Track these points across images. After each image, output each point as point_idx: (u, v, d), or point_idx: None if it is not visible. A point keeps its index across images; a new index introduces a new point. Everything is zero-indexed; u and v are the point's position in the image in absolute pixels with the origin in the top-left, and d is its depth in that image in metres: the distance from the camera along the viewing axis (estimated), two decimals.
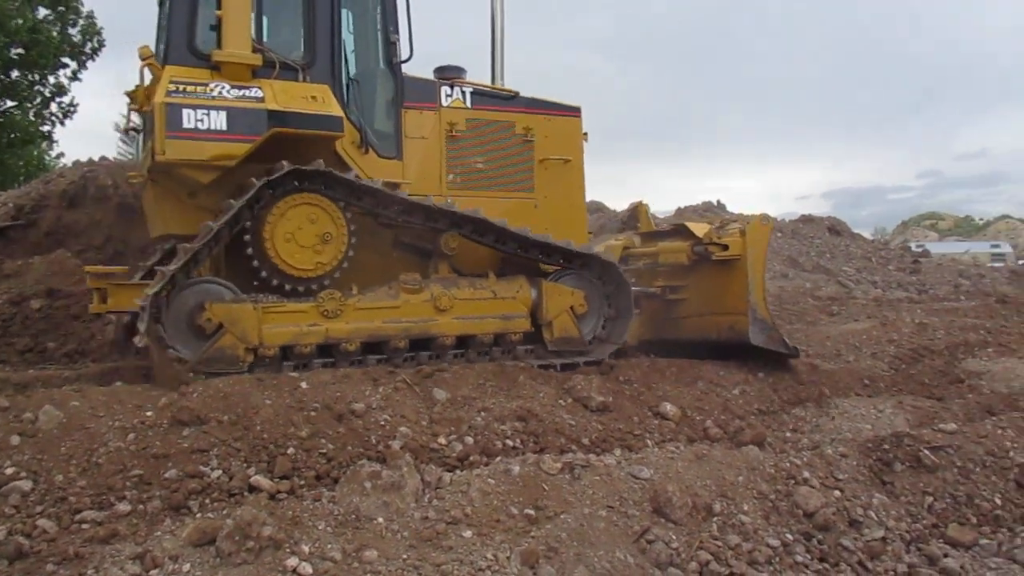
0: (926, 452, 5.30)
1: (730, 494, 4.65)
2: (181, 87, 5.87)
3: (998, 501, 5.13)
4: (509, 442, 5.25)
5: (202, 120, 5.82)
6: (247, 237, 6.10)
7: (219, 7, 6.10)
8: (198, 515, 4.12)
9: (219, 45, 6.09)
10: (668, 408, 6.07)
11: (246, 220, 6.04)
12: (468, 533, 4.01)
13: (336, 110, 6.33)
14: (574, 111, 7.96)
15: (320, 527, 4.00)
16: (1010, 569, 4.46)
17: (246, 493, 4.35)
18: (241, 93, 6.01)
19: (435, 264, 6.90)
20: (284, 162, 6.01)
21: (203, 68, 6.08)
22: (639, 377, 6.60)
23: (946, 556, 4.54)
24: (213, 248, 6.01)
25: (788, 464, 5.04)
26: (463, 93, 7.39)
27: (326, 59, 6.57)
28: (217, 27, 6.13)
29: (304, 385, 5.32)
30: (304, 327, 6.08)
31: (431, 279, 6.75)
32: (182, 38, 6.15)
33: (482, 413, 5.48)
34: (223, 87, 5.98)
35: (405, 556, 3.76)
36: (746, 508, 4.58)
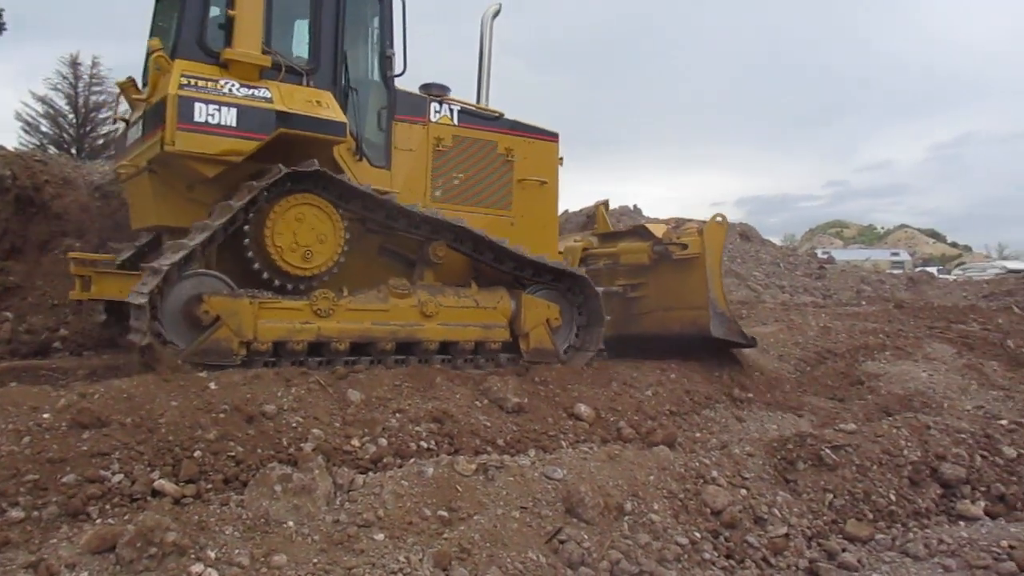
0: (827, 451, 5.50)
1: (641, 494, 4.73)
2: (192, 81, 5.94)
3: (893, 497, 5.37)
4: (424, 444, 5.22)
5: (213, 115, 5.92)
6: (246, 228, 6.17)
7: (232, 7, 6.21)
8: (98, 521, 3.96)
9: (229, 44, 6.19)
10: (582, 409, 6.14)
11: (247, 215, 6.11)
12: (380, 536, 3.98)
13: (340, 116, 6.46)
14: (552, 136, 8.27)
15: (227, 532, 3.90)
16: (903, 562, 4.67)
17: (149, 498, 4.20)
18: (250, 92, 6.13)
19: (420, 271, 7.11)
20: (315, 160, 6.26)
21: (211, 65, 6.15)
22: (555, 378, 6.64)
23: (844, 551, 4.73)
24: (207, 246, 6.03)
25: (697, 464, 5.16)
26: (451, 110, 7.61)
27: (329, 66, 6.74)
28: (228, 26, 6.23)
29: (213, 386, 5.18)
30: (297, 324, 6.20)
31: (417, 285, 6.94)
32: (192, 34, 6.21)
33: (397, 415, 5.44)
34: (233, 84, 6.08)
35: (315, 560, 3.70)
36: (656, 507, 4.66)
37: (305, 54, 6.76)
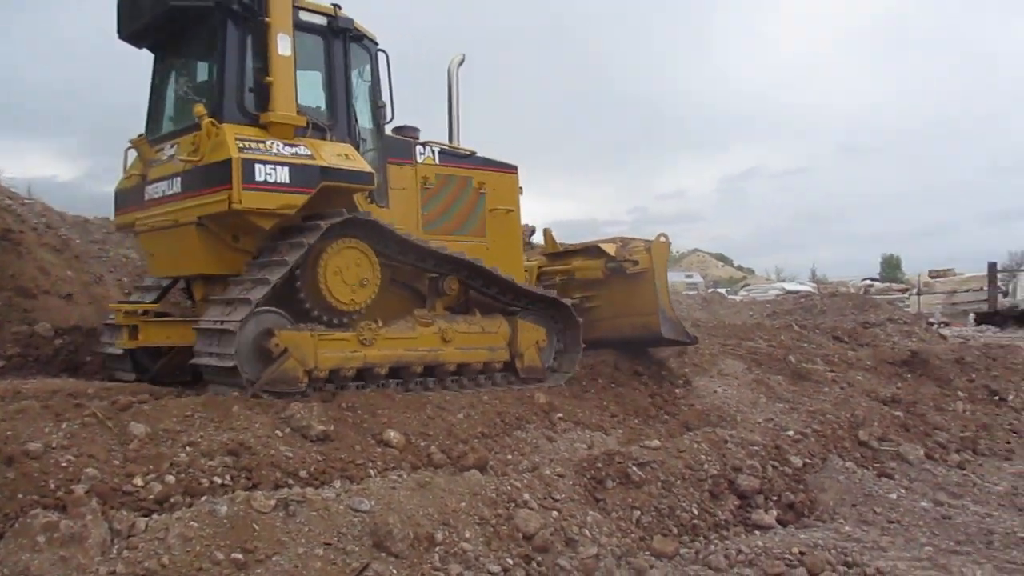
0: (634, 468, 5.61)
1: (452, 521, 4.58)
2: (246, 144, 6.49)
3: (695, 511, 5.54)
4: (217, 479, 4.78)
5: (270, 174, 6.51)
6: (297, 272, 6.70)
7: (268, 73, 6.79)
8: None
9: (266, 107, 6.79)
10: (392, 435, 5.89)
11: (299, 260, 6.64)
12: None
13: (366, 166, 7.22)
14: (513, 169, 9.24)
15: None
16: (705, 575, 4.80)
17: None
18: (294, 151, 6.76)
19: (432, 301, 7.95)
20: (351, 212, 6.98)
21: (252, 127, 6.73)
22: (363, 403, 6.35)
23: (652, 567, 4.80)
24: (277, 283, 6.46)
25: (509, 487, 5.08)
26: (433, 152, 8.46)
27: (344, 120, 7.44)
28: (262, 91, 6.83)
29: None
30: (348, 353, 6.82)
31: (435, 315, 7.76)
32: (233, 99, 6.78)
33: (187, 448, 4.96)
34: (277, 144, 6.68)
35: None
36: (468, 535, 4.52)
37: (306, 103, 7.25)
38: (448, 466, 5.73)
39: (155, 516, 4.21)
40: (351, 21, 7.51)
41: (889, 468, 6.87)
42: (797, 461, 6.45)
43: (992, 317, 25.74)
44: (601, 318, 9.61)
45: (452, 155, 8.69)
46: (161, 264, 7.64)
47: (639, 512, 5.32)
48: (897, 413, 8.51)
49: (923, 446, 7.51)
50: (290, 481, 4.98)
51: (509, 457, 6.21)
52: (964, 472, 7.15)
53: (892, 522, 5.75)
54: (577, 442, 6.85)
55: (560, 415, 7.40)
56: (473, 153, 8.90)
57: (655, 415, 8.16)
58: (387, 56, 7.87)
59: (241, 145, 6.43)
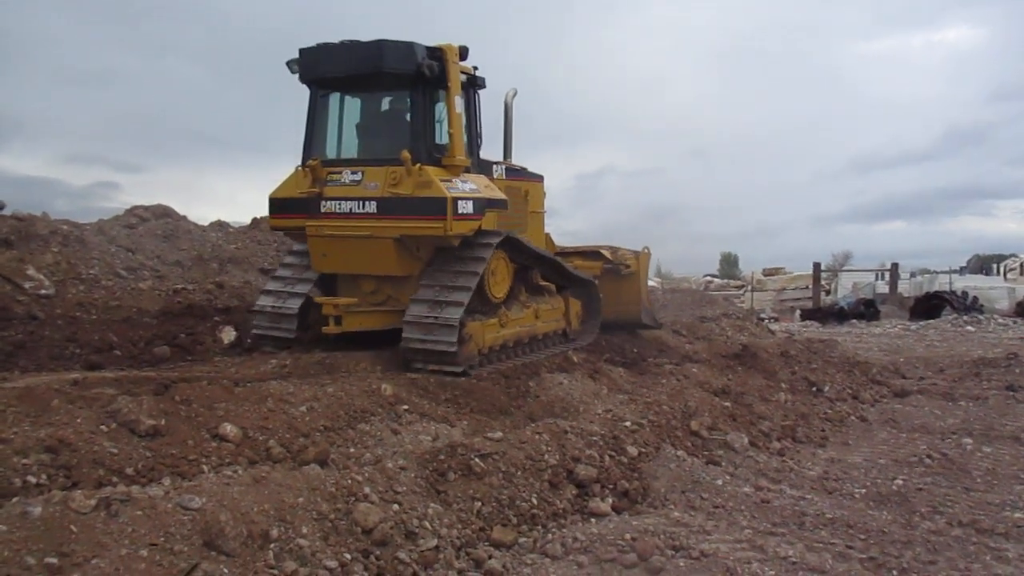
0: (476, 459, 5.67)
1: (289, 517, 4.48)
2: (447, 184, 8.36)
3: (535, 501, 5.67)
4: (32, 479, 4.46)
5: (464, 207, 8.44)
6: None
7: (452, 127, 8.73)
8: None
9: (445, 152, 8.77)
10: (228, 429, 5.68)
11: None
12: None
13: (502, 194, 9.50)
14: (542, 178, 11.66)
15: None
16: (543, 563, 4.93)
17: None
18: (469, 187, 8.73)
19: (519, 288, 10.02)
20: (506, 231, 9.30)
21: (438, 168, 8.56)
22: (200, 397, 6.09)
23: (491, 558, 4.88)
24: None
25: (349, 481, 5.02)
26: (503, 170, 10.48)
27: (476, 157, 9.55)
28: (431, 139, 8.88)
29: None
30: (495, 334, 9.14)
31: (528, 298, 10.16)
32: (424, 147, 8.65)
33: None
34: (459, 182, 8.61)
35: None
36: (305, 531, 4.44)
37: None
38: (287, 461, 5.58)
39: None
40: (483, 79, 9.62)
41: (717, 456, 7.27)
42: (633, 451, 6.71)
43: (815, 313, 27.69)
44: None
45: (512, 171, 10.86)
46: (334, 263, 9.17)
47: (480, 503, 5.38)
48: (726, 404, 9.01)
49: (748, 434, 7.99)
50: (114, 479, 4.72)
51: (352, 450, 6.11)
52: (783, 459, 7.67)
53: (717, 507, 6.09)
54: (422, 434, 6.83)
55: (406, 407, 7.36)
56: (525, 169, 11.16)
57: (501, 407, 8.27)
58: (479, 95, 9.66)
59: (446, 186, 8.29)
